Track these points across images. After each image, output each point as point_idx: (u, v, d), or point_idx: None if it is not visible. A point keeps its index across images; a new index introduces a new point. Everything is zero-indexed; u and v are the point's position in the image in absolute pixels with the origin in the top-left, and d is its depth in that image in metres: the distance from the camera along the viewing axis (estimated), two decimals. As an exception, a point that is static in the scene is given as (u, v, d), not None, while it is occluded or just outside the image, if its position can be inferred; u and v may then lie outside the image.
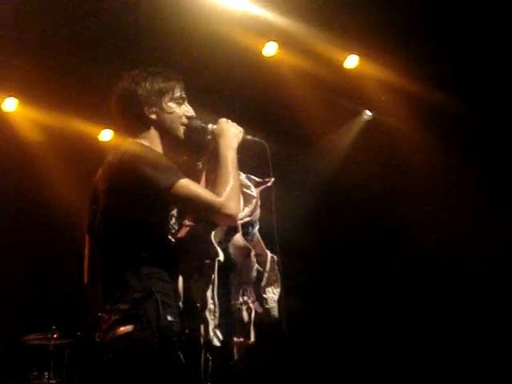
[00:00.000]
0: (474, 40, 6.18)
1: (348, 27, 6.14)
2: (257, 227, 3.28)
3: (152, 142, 3.23)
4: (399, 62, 6.38)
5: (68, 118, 6.62)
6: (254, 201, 3.23)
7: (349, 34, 6.25)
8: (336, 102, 6.84)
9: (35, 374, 6.17)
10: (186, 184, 3.02)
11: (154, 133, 3.25)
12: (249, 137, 3.32)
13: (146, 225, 3.09)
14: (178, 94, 3.30)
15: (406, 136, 6.94)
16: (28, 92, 6.50)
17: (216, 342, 3.03)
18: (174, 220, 3.19)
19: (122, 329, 2.99)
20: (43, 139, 6.84)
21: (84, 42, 6.10)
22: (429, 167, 6.85)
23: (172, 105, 3.27)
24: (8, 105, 6.63)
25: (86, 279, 3.30)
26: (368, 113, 7.25)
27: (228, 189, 3.05)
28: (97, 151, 6.97)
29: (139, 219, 3.07)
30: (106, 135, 7.11)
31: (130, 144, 3.20)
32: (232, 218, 3.05)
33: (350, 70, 6.67)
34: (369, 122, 7.25)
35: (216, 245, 3.06)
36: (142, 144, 3.20)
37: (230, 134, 3.25)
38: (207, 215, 3.07)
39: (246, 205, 3.19)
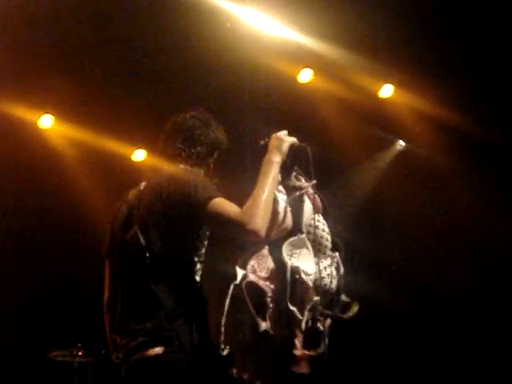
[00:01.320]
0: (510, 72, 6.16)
1: (384, 56, 6.15)
2: (301, 236, 3.32)
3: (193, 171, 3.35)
4: (434, 92, 6.37)
5: (103, 137, 6.68)
6: (281, 215, 3.24)
7: (385, 63, 6.26)
8: (370, 130, 6.84)
9: (59, 390, 6.20)
10: (222, 201, 3.07)
11: (198, 169, 3.39)
12: (295, 143, 3.37)
13: (182, 246, 3.12)
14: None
15: (439, 167, 6.91)
16: (64, 110, 6.58)
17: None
18: (203, 250, 3.22)
19: (150, 351, 2.97)
20: (77, 157, 6.90)
21: (122, 64, 6.16)
22: (463, 199, 6.82)
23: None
24: (45, 122, 6.71)
25: (106, 299, 3.31)
26: (401, 143, 7.23)
27: (256, 205, 3.06)
28: (129, 171, 7.04)
29: (176, 239, 3.11)
30: (139, 155, 7.16)
31: (174, 168, 3.30)
32: (255, 233, 3.03)
33: (385, 99, 6.67)
34: (402, 152, 7.23)
35: (237, 268, 3.09)
36: (186, 168, 3.31)
37: (274, 148, 3.29)
38: (233, 231, 3.10)
39: (274, 223, 3.21)
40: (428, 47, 6.02)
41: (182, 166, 3.32)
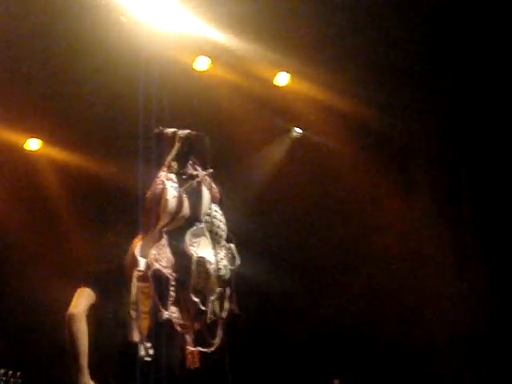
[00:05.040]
0: (406, 55, 6.31)
1: (281, 45, 6.19)
2: (200, 225, 3.34)
3: None
4: (331, 80, 6.46)
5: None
6: (170, 202, 3.25)
7: (281, 52, 6.30)
8: (267, 118, 6.88)
9: None
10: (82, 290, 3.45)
11: None
12: (193, 132, 3.39)
13: None
14: None
15: (335, 154, 7.02)
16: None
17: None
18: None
19: None
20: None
21: (14, 50, 6.00)
22: (357, 183, 6.96)
23: None
24: None
25: None
26: (297, 130, 7.31)
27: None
28: (22, 160, 6.90)
29: None
30: (32, 144, 7.00)
31: None
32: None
33: (282, 87, 6.72)
34: (299, 140, 7.30)
35: (138, 256, 3.10)
36: None
37: None
38: None
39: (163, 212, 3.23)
40: (325, 35, 6.09)
41: None
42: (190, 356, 3.29)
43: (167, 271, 3.23)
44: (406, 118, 6.71)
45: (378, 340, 6.67)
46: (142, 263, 3.14)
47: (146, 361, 3.18)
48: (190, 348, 3.28)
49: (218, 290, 3.34)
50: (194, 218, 3.36)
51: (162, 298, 3.20)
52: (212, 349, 3.31)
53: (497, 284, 6.31)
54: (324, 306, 6.93)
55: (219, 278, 3.35)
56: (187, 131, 3.40)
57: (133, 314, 3.13)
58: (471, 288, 6.44)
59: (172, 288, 3.23)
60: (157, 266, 3.19)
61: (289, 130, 7.30)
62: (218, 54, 6.31)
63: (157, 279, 3.19)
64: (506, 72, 6.20)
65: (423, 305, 6.63)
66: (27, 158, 6.94)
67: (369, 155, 6.85)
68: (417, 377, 6.45)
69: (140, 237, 3.23)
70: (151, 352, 3.18)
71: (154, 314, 3.19)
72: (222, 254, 3.41)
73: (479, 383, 6.12)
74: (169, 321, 3.20)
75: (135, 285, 3.11)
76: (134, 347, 3.16)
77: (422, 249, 6.74)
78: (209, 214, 3.45)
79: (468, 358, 6.30)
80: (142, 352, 3.16)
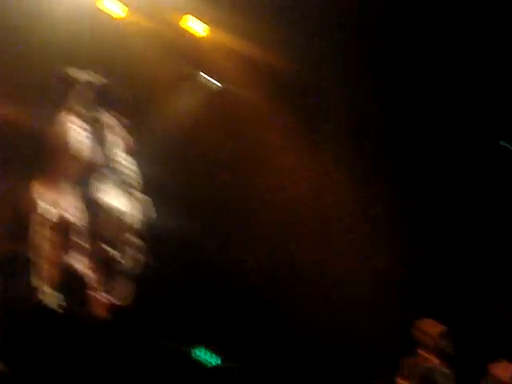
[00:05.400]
0: (325, 7, 6.34)
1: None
2: (108, 172, 3.31)
3: None
4: (247, 30, 6.44)
5: None
6: (77, 147, 3.21)
7: (200, 2, 6.23)
8: (179, 66, 6.80)
9: None
10: None
11: None
12: (102, 77, 3.34)
13: None
14: None
15: (251, 105, 7.03)
16: None
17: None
18: None
19: None
20: None
21: None
22: (270, 134, 6.99)
23: None
24: None
25: None
26: (205, 76, 7.19)
27: None
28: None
29: None
30: None
31: None
32: None
33: (199, 37, 6.65)
34: (211, 88, 7.24)
35: (39, 200, 3.05)
36: None
37: None
38: None
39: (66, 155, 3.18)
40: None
41: None
42: (98, 306, 3.26)
43: (74, 219, 3.19)
44: (321, 68, 6.77)
45: (290, 288, 6.78)
46: (44, 209, 3.07)
47: (56, 311, 3.14)
48: (100, 298, 3.25)
49: (130, 239, 3.32)
50: (101, 164, 3.31)
51: (69, 247, 3.16)
52: (122, 299, 3.29)
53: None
54: (238, 255, 6.99)
55: (131, 227, 3.32)
56: (95, 75, 3.33)
57: (35, 259, 3.06)
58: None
59: (80, 237, 3.19)
60: (63, 213, 3.14)
61: (198, 77, 7.18)
62: (136, 2, 6.17)
63: (64, 227, 3.14)
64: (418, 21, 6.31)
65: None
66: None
67: (282, 106, 6.87)
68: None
69: (40, 181, 3.15)
70: (61, 303, 3.14)
71: (62, 263, 3.14)
72: (134, 203, 3.39)
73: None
74: (77, 270, 3.15)
75: (36, 231, 3.05)
76: (36, 293, 3.10)
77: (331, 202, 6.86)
78: (119, 163, 3.40)
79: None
80: (51, 301, 3.11)
